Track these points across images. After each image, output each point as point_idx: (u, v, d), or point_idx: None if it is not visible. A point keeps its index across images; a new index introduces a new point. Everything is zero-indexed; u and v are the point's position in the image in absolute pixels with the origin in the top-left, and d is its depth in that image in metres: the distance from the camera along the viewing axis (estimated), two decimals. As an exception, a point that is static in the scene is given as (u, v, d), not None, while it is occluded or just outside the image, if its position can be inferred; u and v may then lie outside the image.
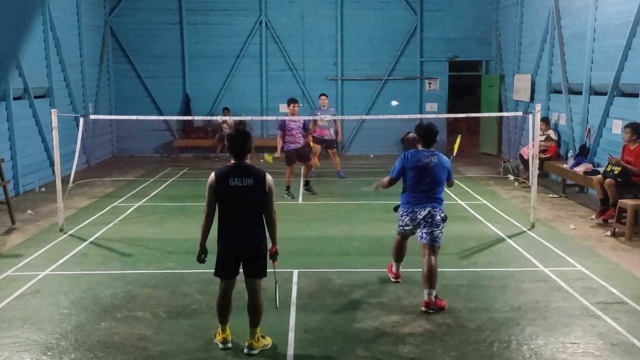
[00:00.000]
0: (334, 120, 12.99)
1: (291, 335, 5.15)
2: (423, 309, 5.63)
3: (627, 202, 8.19)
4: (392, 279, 6.48)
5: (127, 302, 5.94)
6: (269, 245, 4.87)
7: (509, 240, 8.12)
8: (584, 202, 10.55)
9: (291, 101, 11.28)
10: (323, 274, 6.73)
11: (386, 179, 6.22)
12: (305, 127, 11.25)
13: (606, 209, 8.92)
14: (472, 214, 9.71)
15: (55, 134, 8.47)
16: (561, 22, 12.68)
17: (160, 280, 6.58)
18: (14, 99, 11.52)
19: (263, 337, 4.95)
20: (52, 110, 8.77)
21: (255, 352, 4.82)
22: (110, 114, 16.57)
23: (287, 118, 11.11)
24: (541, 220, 9.12)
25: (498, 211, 9.87)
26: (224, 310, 4.91)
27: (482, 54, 17.53)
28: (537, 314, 5.58)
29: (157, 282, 6.52)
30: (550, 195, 11.12)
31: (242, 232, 4.70)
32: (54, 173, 9.49)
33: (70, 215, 9.58)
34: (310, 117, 12.01)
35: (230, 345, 4.90)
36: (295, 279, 6.56)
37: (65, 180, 9.22)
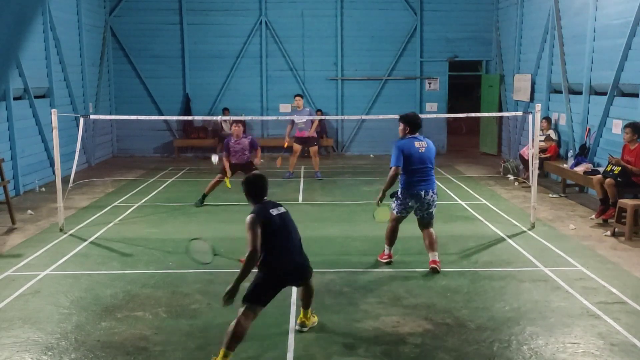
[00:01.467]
0: (312, 120, 12.93)
1: (291, 336, 5.15)
2: (432, 266, 6.70)
3: (627, 202, 8.19)
4: (386, 261, 7.07)
5: (127, 302, 5.94)
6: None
7: (509, 240, 8.12)
8: (584, 202, 10.55)
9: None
10: (323, 274, 6.73)
11: (391, 173, 6.71)
12: (252, 146, 10.47)
13: (606, 209, 8.92)
14: (472, 214, 9.71)
15: (55, 134, 8.48)
16: (561, 22, 12.68)
17: (160, 280, 6.58)
18: (14, 99, 11.52)
19: (313, 315, 5.40)
20: (52, 110, 8.77)
21: (306, 329, 5.27)
22: (110, 114, 16.57)
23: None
24: (541, 220, 9.12)
25: (498, 211, 9.87)
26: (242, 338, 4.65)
27: (482, 54, 17.53)
28: (537, 314, 5.58)
29: (157, 282, 6.52)
30: (550, 195, 11.12)
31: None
32: (54, 173, 9.50)
33: (70, 215, 9.58)
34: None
35: None
36: (295, 279, 6.56)
37: (65, 180, 9.22)
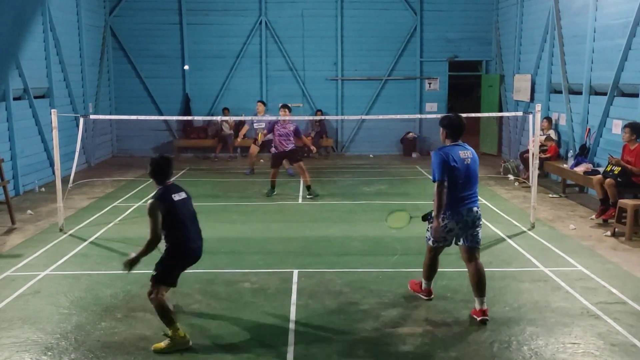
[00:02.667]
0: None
1: (291, 336, 5.15)
2: (482, 318, 5.39)
3: (627, 202, 8.19)
4: (426, 297, 5.98)
5: (127, 302, 5.94)
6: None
7: (509, 240, 8.12)
8: (584, 202, 10.55)
9: (283, 106, 11.35)
10: (323, 274, 6.73)
11: (438, 191, 5.45)
12: (296, 133, 11.16)
13: (606, 209, 8.92)
14: (472, 214, 9.70)
15: (55, 134, 8.47)
16: (561, 22, 12.68)
17: (160, 280, 6.57)
18: (14, 99, 11.52)
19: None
20: (52, 110, 8.77)
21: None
22: (110, 114, 16.57)
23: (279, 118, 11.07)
24: (541, 220, 9.12)
25: (498, 211, 9.87)
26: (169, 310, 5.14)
27: (482, 54, 17.53)
28: (537, 314, 5.58)
29: (157, 282, 6.51)
30: (550, 195, 11.12)
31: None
32: (54, 173, 9.49)
33: (70, 215, 9.58)
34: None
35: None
36: (295, 279, 6.56)
37: (65, 180, 9.22)
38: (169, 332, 4.88)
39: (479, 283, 5.45)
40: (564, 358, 4.73)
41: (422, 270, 5.98)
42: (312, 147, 12.53)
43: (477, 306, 5.45)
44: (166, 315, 4.93)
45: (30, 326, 5.35)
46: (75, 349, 4.92)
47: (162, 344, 4.87)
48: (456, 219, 5.43)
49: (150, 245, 4.98)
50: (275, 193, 11.26)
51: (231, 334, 5.21)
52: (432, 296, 5.98)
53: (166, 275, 5.04)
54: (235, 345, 4.98)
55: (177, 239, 5.05)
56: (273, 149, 11.29)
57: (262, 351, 4.89)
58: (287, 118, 11.06)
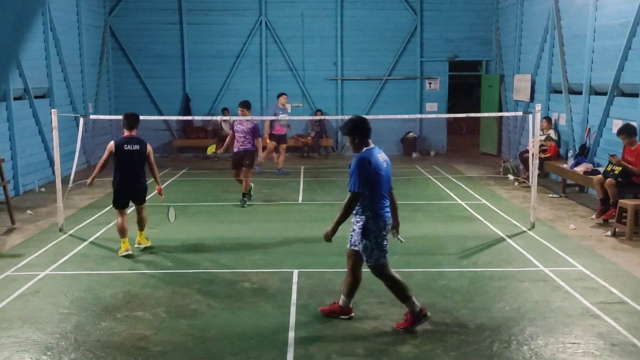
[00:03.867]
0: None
1: (291, 335, 5.15)
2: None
3: (628, 202, 8.19)
4: (346, 317, 5.44)
5: (127, 302, 5.94)
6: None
7: (509, 240, 8.12)
8: (584, 202, 10.55)
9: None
10: (323, 274, 6.73)
11: (354, 203, 5.07)
12: (254, 133, 10.50)
13: (606, 209, 8.91)
14: (472, 214, 9.71)
15: (55, 134, 8.48)
16: (561, 22, 12.68)
17: (160, 280, 6.58)
18: (14, 99, 11.52)
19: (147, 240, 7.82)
20: (52, 110, 8.78)
21: (141, 247, 7.70)
22: (110, 114, 16.56)
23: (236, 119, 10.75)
24: (541, 220, 9.12)
25: (498, 211, 9.87)
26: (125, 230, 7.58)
27: (482, 54, 17.53)
28: (537, 314, 5.58)
29: (157, 282, 6.52)
30: (550, 195, 11.12)
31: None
32: (54, 173, 9.50)
33: (70, 215, 9.58)
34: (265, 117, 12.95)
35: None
36: (295, 279, 6.57)
37: (65, 180, 9.22)
38: (121, 247, 6.78)
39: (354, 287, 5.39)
40: (564, 358, 4.73)
41: (345, 285, 5.43)
42: (260, 155, 11.01)
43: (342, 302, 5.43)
44: (122, 233, 7.21)
45: (30, 326, 5.34)
46: (75, 349, 4.92)
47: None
48: (386, 230, 5.16)
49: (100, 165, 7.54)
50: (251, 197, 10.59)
51: (231, 334, 5.21)
52: (353, 314, 5.45)
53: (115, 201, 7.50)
54: (236, 345, 4.98)
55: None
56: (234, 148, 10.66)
57: (262, 351, 4.88)
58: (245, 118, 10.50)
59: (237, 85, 17.22)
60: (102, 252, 7.68)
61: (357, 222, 5.15)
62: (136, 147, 7.31)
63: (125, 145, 7.25)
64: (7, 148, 11.14)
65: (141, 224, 7.64)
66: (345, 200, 5.10)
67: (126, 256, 7.44)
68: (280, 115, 12.94)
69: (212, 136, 16.75)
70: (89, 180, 7.59)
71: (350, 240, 5.27)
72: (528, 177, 9.63)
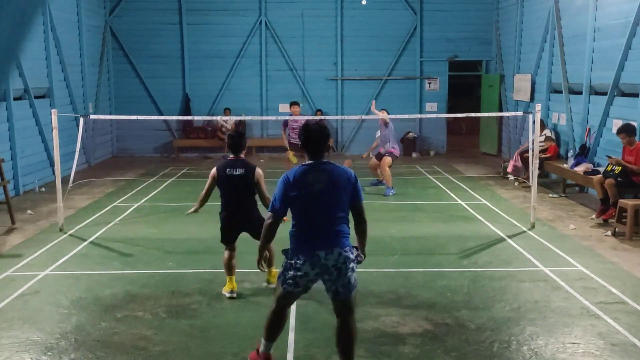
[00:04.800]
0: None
1: (291, 336, 5.14)
2: None
3: (628, 202, 8.19)
4: None
5: (127, 302, 5.94)
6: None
7: (509, 240, 8.12)
8: (584, 202, 10.55)
9: (293, 103, 12.35)
10: (323, 274, 6.72)
11: (270, 222, 4.37)
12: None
13: (606, 209, 8.91)
14: (472, 214, 9.71)
15: (55, 134, 8.48)
16: (561, 22, 12.68)
17: (160, 280, 6.58)
18: (14, 99, 11.52)
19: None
20: (52, 110, 8.77)
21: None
22: (110, 114, 16.57)
23: (289, 118, 11.79)
24: (541, 220, 9.12)
25: (498, 211, 9.87)
26: None
27: (482, 54, 17.53)
28: (537, 314, 5.58)
29: (157, 282, 6.52)
30: (550, 195, 11.12)
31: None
32: (54, 173, 9.49)
33: (70, 215, 9.58)
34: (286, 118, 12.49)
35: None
36: (295, 279, 6.55)
37: (65, 180, 9.21)
38: None
39: (345, 346, 4.28)
40: (564, 358, 4.73)
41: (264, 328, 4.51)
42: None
43: None
44: None
45: (30, 326, 5.34)
46: (75, 349, 4.92)
47: None
48: (310, 262, 4.14)
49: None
50: None
51: (231, 334, 5.21)
52: None
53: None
54: (236, 345, 4.97)
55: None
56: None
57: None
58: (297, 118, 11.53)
59: (237, 85, 17.23)
60: (102, 252, 7.68)
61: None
62: (240, 171, 5.99)
63: (228, 170, 6.03)
64: (7, 148, 11.14)
65: (268, 260, 6.26)
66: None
67: (127, 255, 7.44)
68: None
69: (212, 136, 16.76)
70: (190, 211, 6.31)
71: None
72: (528, 177, 9.63)
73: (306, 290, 4.32)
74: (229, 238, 6.14)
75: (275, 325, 4.43)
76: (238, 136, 6.18)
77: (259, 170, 6.05)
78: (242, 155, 6.13)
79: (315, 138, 4.26)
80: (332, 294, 4.25)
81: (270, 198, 4.58)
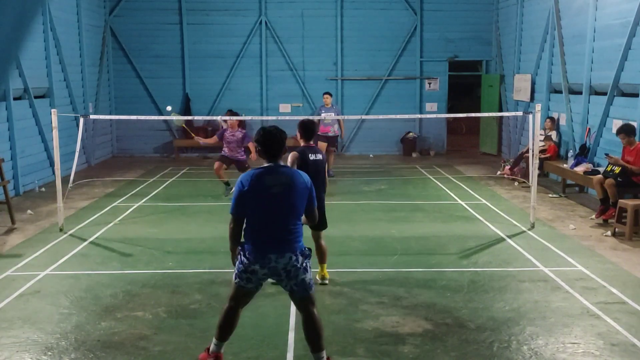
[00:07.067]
0: (337, 118, 13.04)
1: (291, 335, 5.15)
2: None
3: (628, 202, 8.19)
4: None
5: (127, 302, 5.94)
6: None
7: (509, 240, 8.12)
8: (584, 202, 10.55)
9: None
10: (323, 274, 6.72)
11: (231, 226, 4.35)
12: (245, 141, 10.68)
13: (606, 209, 8.91)
14: (472, 214, 9.71)
15: (55, 134, 8.47)
16: (561, 22, 12.69)
17: (160, 280, 6.58)
18: (14, 99, 11.51)
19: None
20: (52, 110, 8.77)
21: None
22: (110, 114, 16.57)
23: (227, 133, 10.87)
24: (541, 220, 9.12)
25: (498, 211, 9.87)
26: None
27: (482, 54, 17.53)
28: (537, 314, 5.58)
29: (157, 282, 6.52)
30: (550, 195, 11.12)
31: None
32: (54, 173, 9.49)
33: (70, 215, 9.58)
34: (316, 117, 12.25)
35: None
36: (295, 279, 6.56)
37: (65, 180, 9.21)
38: None
39: (313, 338, 4.40)
40: (564, 358, 4.73)
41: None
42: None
43: None
44: None
45: (30, 326, 5.34)
46: (75, 349, 4.92)
47: None
48: (261, 263, 4.22)
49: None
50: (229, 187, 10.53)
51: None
52: None
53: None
54: (236, 345, 4.97)
55: None
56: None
57: (262, 351, 4.89)
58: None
59: (237, 85, 17.23)
60: (102, 252, 7.68)
61: None
62: (319, 156, 6.16)
63: (310, 155, 6.10)
64: (7, 148, 11.14)
65: (321, 255, 6.37)
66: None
67: (127, 255, 7.44)
68: (322, 114, 12.97)
69: (212, 135, 16.73)
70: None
71: None
72: (520, 173, 9.62)
73: (257, 288, 4.42)
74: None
75: (227, 325, 4.48)
76: (312, 123, 6.44)
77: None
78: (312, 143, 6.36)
79: (277, 141, 4.34)
80: (289, 292, 4.41)
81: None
